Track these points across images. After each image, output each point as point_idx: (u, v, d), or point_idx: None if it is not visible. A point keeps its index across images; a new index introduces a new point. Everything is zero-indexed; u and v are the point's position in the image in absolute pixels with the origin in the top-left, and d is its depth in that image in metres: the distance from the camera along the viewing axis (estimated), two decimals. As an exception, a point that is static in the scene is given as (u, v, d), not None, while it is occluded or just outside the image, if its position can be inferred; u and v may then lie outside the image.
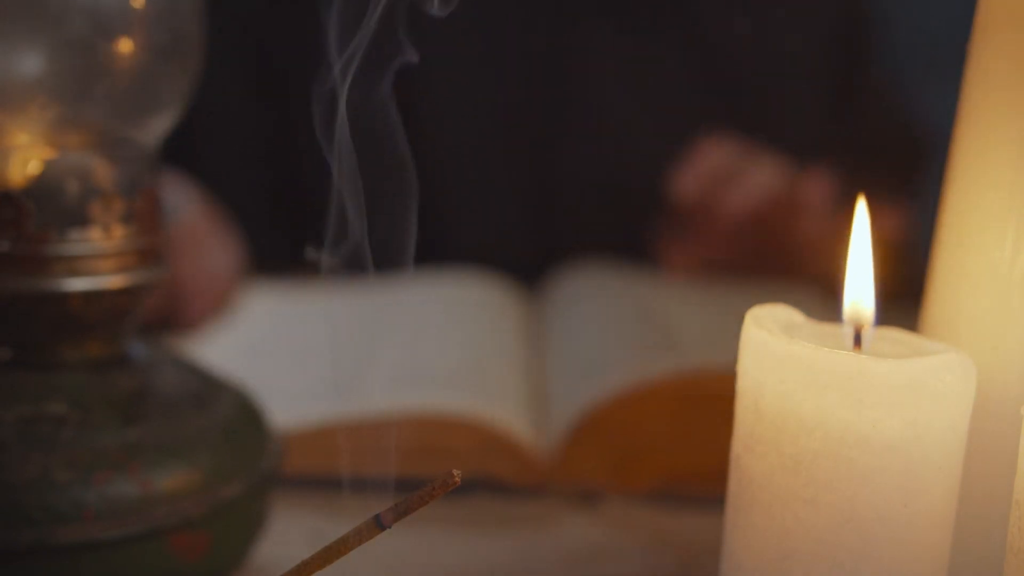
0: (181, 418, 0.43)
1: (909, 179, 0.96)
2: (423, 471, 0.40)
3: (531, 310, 0.78)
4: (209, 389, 0.46)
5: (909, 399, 0.34)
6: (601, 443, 0.56)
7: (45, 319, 0.42)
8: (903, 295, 0.44)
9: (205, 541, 0.42)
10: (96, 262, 0.42)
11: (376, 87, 0.35)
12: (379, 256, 0.36)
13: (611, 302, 0.76)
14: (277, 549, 0.47)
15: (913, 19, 1.11)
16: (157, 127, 0.44)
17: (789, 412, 0.35)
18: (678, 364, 0.58)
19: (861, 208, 0.38)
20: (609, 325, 0.70)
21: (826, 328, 0.39)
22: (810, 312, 0.39)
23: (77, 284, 0.42)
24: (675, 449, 0.57)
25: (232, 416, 0.45)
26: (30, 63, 0.40)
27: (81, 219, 0.41)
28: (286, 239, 0.91)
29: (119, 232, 0.42)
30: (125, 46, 0.42)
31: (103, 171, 0.42)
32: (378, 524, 0.31)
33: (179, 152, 0.55)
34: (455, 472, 0.30)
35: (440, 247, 0.82)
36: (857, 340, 0.37)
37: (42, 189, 0.41)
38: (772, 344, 0.35)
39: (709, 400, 0.54)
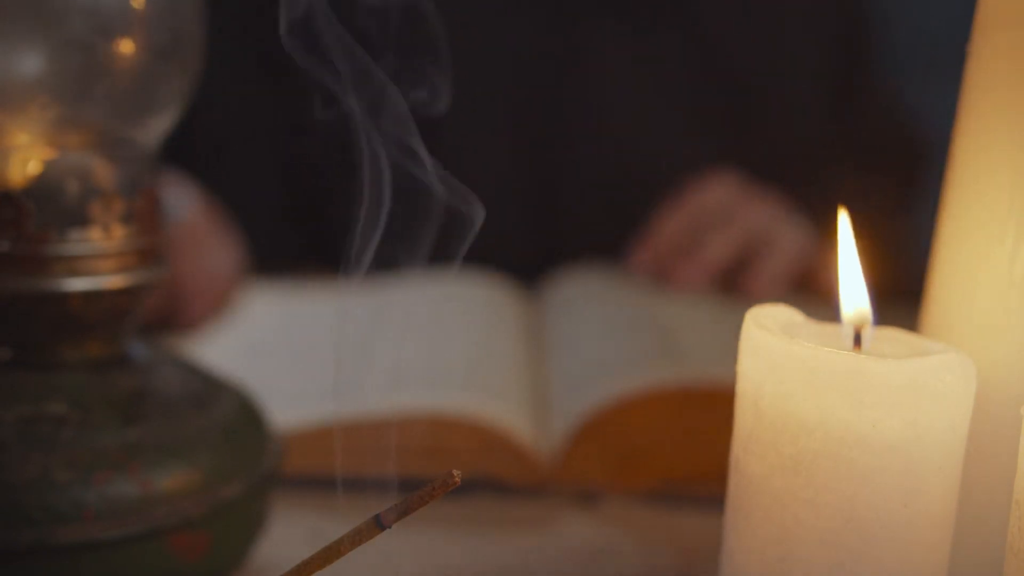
0: (181, 418, 0.43)
1: (909, 179, 0.96)
2: (423, 471, 0.40)
3: (532, 310, 0.78)
4: (209, 389, 0.46)
5: (909, 399, 0.34)
6: (602, 444, 0.56)
7: (45, 319, 0.42)
8: (901, 295, 0.44)
9: (205, 541, 0.42)
10: (96, 262, 0.42)
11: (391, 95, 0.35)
12: (392, 254, 0.36)
13: (613, 304, 0.76)
14: (277, 549, 0.47)
15: (913, 19, 1.11)
16: (157, 127, 0.44)
17: (789, 412, 0.35)
18: (680, 372, 0.58)
19: (843, 219, 0.39)
20: (610, 327, 0.70)
21: (826, 328, 0.39)
22: (810, 312, 0.39)
23: (77, 284, 0.42)
24: (675, 450, 0.57)
25: (232, 416, 0.45)
26: (30, 63, 0.40)
27: (81, 219, 0.41)
28: (289, 238, 0.92)
29: (119, 232, 0.42)
30: (125, 46, 0.42)
31: (103, 171, 0.42)
32: (378, 524, 0.31)
33: (182, 150, 0.55)
34: (455, 472, 0.30)
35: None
36: (857, 340, 0.37)
37: (42, 189, 0.41)
38: (772, 344, 0.35)
39: (710, 404, 0.54)
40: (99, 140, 0.43)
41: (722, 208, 0.79)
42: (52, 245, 0.41)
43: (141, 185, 0.43)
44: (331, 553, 0.32)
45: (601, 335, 0.68)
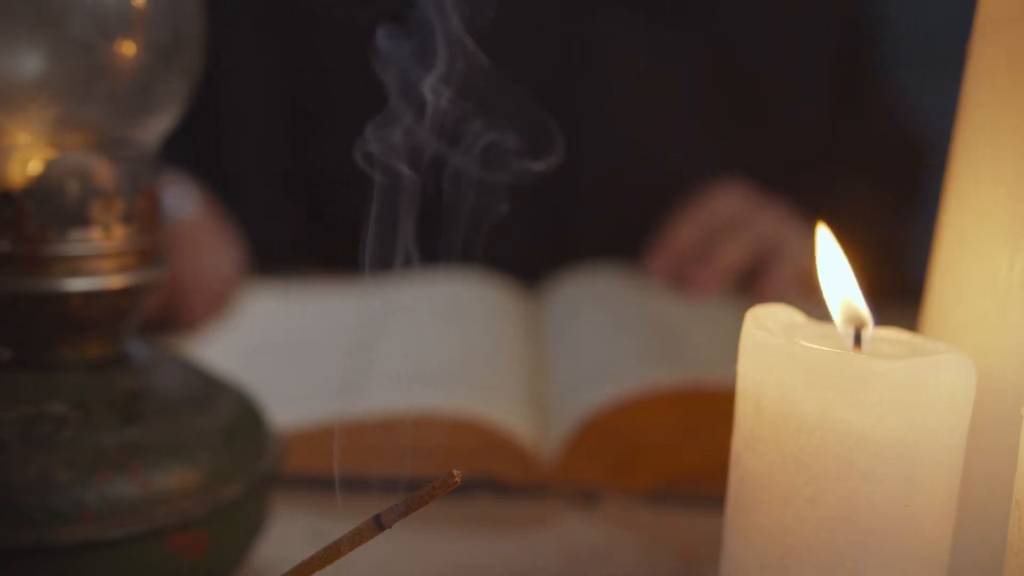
0: (181, 418, 0.43)
1: (909, 180, 0.96)
2: (423, 471, 0.40)
3: (533, 311, 0.78)
4: (209, 389, 0.46)
5: (909, 399, 0.34)
6: (602, 444, 0.56)
7: (45, 319, 0.42)
8: (901, 295, 0.44)
9: (205, 541, 0.42)
10: (96, 262, 0.42)
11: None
12: (392, 254, 0.36)
13: (615, 305, 0.76)
14: (277, 549, 0.47)
15: (913, 19, 1.11)
16: (157, 127, 0.44)
17: (789, 412, 0.35)
18: (682, 375, 0.58)
19: (822, 232, 0.39)
20: (612, 329, 0.70)
21: (826, 328, 0.39)
22: (810, 312, 0.39)
23: (77, 284, 0.42)
24: (675, 450, 0.57)
25: (232, 416, 0.45)
26: (30, 63, 0.40)
27: (81, 219, 0.41)
28: (289, 238, 0.92)
29: (119, 232, 0.42)
30: (125, 46, 0.42)
31: (103, 171, 0.42)
32: (378, 524, 0.31)
33: (184, 149, 0.55)
34: (455, 472, 0.30)
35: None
36: (857, 340, 0.37)
37: (42, 189, 0.41)
38: (772, 344, 0.35)
39: (709, 405, 0.54)
40: (99, 140, 0.43)
41: (733, 216, 0.80)
42: (52, 245, 0.41)
43: (141, 185, 0.43)
44: (331, 553, 0.32)
45: (602, 336, 0.68)
